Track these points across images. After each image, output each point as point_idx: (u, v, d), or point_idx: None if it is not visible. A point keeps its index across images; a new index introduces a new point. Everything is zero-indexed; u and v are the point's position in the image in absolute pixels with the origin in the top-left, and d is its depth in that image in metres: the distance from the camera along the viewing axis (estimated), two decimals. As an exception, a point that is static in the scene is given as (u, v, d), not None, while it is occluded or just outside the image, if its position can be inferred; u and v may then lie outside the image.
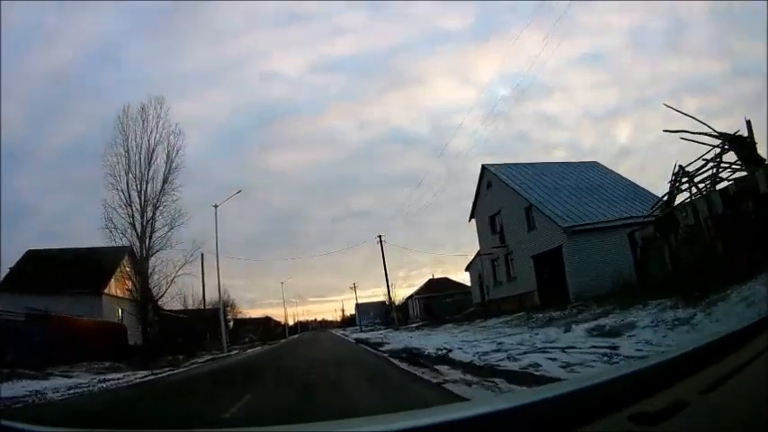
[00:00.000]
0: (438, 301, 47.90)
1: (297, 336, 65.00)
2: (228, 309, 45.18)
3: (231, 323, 50.70)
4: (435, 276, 57.83)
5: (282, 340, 48.47)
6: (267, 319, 69.02)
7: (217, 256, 29.01)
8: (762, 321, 1.57)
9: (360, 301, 76.17)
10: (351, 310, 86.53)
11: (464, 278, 52.59)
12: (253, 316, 65.69)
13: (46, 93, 53.36)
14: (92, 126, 59.57)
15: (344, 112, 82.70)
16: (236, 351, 28.04)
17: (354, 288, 68.53)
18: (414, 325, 37.03)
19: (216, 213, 28.50)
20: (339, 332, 58.01)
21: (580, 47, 67.59)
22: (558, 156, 65.35)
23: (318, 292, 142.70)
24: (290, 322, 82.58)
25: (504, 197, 26.14)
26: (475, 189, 30.14)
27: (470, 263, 35.32)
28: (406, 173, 79.14)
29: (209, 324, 31.07)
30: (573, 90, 64.10)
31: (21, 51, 45.41)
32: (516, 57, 73.86)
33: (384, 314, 57.29)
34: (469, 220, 31.37)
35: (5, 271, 25.59)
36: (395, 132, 77.11)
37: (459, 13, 70.37)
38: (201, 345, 28.57)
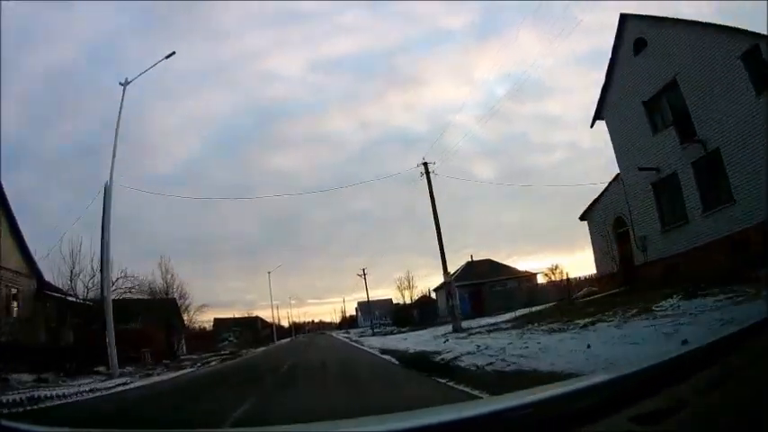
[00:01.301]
0: (489, 288, 37.43)
1: (287, 340, 52.40)
2: (181, 301, 31.16)
3: (210, 323, 44.03)
4: (475, 258, 41.47)
5: (263, 348, 36.29)
6: (254, 320, 59.97)
7: (111, 168, 16.09)
8: (762, 321, 1.57)
9: (360, 300, 66.93)
10: (351, 311, 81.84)
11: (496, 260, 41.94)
12: (238, 315, 57.67)
13: (44, 92, 53.17)
14: (90, 125, 59.35)
15: (344, 112, 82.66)
16: (130, 380, 13.61)
17: (364, 275, 50.02)
18: (484, 322, 20.54)
19: (124, 92, 17.05)
20: (340, 335, 46.88)
21: (581, 45, 67.58)
22: (558, 156, 64.91)
23: (316, 294, 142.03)
24: (285, 324, 77.88)
25: (685, 52, 14.19)
26: (606, 65, 17.32)
27: (592, 205, 20.08)
28: (406, 173, 78.89)
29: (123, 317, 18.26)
30: (573, 89, 63.93)
31: (17, 50, 45.07)
32: (517, 56, 73.76)
33: (393, 313, 49.75)
34: (592, 124, 18.29)
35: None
36: (395, 132, 76.98)
37: (459, 12, 70.45)
38: (93, 357, 15.64)
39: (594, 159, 54.94)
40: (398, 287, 53.12)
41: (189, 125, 73.77)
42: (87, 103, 61.58)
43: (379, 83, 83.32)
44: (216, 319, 46.90)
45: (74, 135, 56.49)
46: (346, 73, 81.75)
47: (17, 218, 17.40)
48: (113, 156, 16.21)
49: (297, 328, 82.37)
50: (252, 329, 53.41)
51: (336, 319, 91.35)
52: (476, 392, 5.23)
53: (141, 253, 58.19)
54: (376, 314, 55.18)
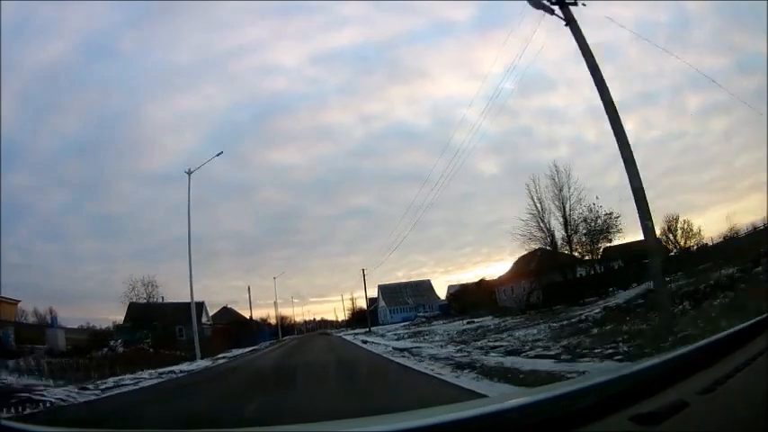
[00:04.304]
0: None
1: (239, 353, 24.74)
2: None
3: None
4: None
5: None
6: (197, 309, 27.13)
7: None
8: (762, 321, 1.58)
9: (382, 283, 42.39)
10: (355, 307, 67.41)
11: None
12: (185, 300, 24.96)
13: (39, 87, 52.43)
14: (87, 120, 58.76)
15: (345, 105, 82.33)
16: None
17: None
18: None
19: None
20: (372, 342, 20.13)
21: (586, 39, 67.59)
22: (562, 151, 64.38)
23: (319, 293, 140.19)
24: (284, 321, 63.66)
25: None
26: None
27: None
28: (409, 169, 78.07)
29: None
30: (577, 84, 63.63)
31: (14, 46, 44.36)
32: (521, 49, 73.44)
33: (448, 302, 33.24)
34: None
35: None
36: (397, 127, 76.24)
37: (462, 2, 70.11)
38: None
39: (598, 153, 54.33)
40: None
41: (186, 119, 73.33)
42: (81, 97, 60.35)
43: (380, 76, 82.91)
44: (132, 306, 25.59)
45: (68, 131, 55.74)
46: (346, 66, 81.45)
47: None
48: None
49: (286, 327, 55.10)
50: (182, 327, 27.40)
51: (342, 316, 67.65)
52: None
53: (137, 252, 57.54)
54: (410, 302, 38.46)
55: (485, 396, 4.66)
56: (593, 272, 24.12)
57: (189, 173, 23.30)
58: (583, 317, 13.33)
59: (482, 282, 34.62)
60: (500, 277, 30.83)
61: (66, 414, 7.43)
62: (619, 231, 22.70)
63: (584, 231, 23.12)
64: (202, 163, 24.20)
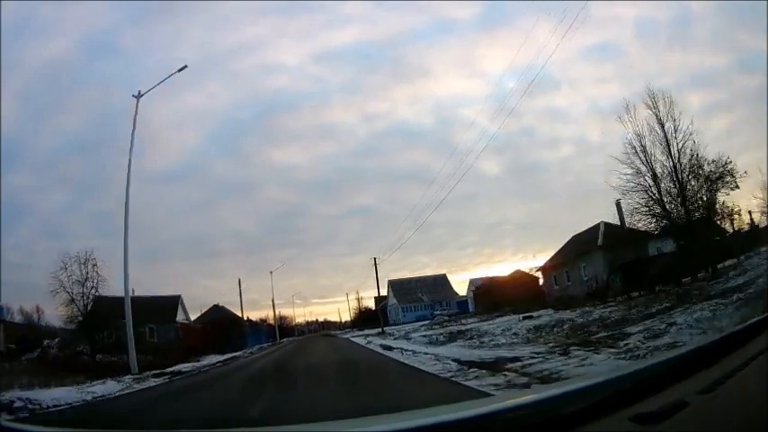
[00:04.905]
0: None
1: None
2: None
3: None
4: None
5: None
6: (170, 303, 28.11)
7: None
8: (762, 321, 1.58)
9: (393, 279, 38.83)
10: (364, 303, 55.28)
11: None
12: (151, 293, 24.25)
13: (40, 86, 52.19)
14: (89, 118, 58.64)
15: (348, 104, 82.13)
16: None
17: None
18: None
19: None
20: (398, 347, 14.52)
21: (589, 38, 67.56)
22: (566, 151, 63.92)
23: (321, 293, 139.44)
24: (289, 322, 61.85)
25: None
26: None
27: None
28: (412, 168, 77.73)
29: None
30: (580, 83, 63.60)
31: (14, 45, 44.22)
32: (525, 48, 73.69)
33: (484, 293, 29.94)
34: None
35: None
36: (399, 126, 76.03)
37: (466, 2, 70.00)
38: None
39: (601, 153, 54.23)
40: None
41: (187, 117, 73.46)
42: (80, 95, 60.00)
43: (383, 74, 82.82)
44: (98, 300, 20.84)
45: (69, 130, 55.75)
46: (349, 64, 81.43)
47: None
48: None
49: (285, 327, 51.50)
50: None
51: (346, 316, 64.78)
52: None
53: (137, 250, 57.41)
54: (424, 299, 35.12)
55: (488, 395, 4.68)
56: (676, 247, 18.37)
57: (137, 96, 18.00)
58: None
59: (517, 273, 31.18)
60: (546, 264, 26.11)
61: (66, 414, 7.41)
62: (743, 177, 16.26)
63: (702, 181, 16.64)
64: (161, 80, 19.02)
